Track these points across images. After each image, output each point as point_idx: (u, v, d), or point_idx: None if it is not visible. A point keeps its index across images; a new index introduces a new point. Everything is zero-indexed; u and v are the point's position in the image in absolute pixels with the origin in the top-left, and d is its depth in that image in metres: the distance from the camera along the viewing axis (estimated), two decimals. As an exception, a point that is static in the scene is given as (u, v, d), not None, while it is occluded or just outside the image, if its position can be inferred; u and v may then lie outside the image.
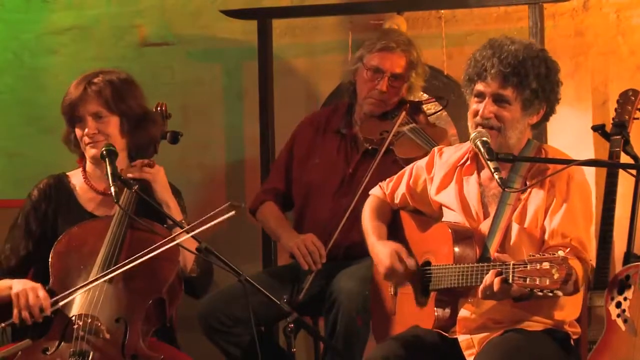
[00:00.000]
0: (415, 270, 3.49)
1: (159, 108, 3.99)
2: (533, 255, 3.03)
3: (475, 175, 3.49)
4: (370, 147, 4.23)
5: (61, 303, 3.49)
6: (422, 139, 4.16)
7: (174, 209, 3.71)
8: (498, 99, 3.36)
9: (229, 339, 4.07)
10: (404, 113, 4.24)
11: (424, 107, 4.40)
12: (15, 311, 3.48)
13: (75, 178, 3.81)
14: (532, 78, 3.32)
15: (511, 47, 3.35)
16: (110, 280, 3.52)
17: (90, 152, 3.70)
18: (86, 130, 3.67)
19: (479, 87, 3.38)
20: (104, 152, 3.56)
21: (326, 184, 4.27)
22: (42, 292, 3.49)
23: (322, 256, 4.12)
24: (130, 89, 3.74)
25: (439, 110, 4.54)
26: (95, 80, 3.68)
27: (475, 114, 3.40)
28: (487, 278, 3.14)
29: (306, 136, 4.41)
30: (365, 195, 4.01)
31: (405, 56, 4.24)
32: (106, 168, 3.52)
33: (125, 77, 3.75)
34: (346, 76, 4.40)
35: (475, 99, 3.41)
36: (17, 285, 3.52)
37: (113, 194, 3.44)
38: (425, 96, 4.63)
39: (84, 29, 5.37)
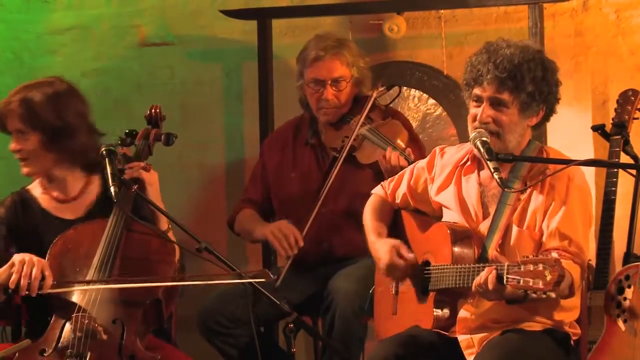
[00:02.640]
0: (415, 264, 3.51)
1: (152, 111, 3.99)
2: (527, 257, 3.04)
3: (475, 175, 3.49)
4: (337, 155, 4.26)
5: (58, 290, 3.48)
6: (378, 140, 4.17)
7: (161, 215, 3.72)
8: (495, 103, 3.36)
9: (228, 340, 4.07)
10: (357, 117, 4.24)
11: (377, 100, 4.35)
12: (14, 277, 3.43)
13: (35, 190, 3.83)
14: (528, 81, 3.32)
15: (507, 50, 3.34)
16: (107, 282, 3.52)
17: (22, 170, 3.75)
18: (11, 146, 3.71)
19: (477, 91, 3.39)
20: (104, 152, 3.56)
21: (306, 196, 4.28)
22: (48, 271, 3.48)
23: (298, 239, 4.13)
24: (50, 104, 3.68)
25: (396, 97, 4.53)
26: (12, 99, 3.69)
27: (474, 118, 3.41)
28: (483, 275, 3.15)
29: (274, 157, 4.43)
30: (330, 199, 4.14)
31: (338, 58, 4.24)
32: (106, 167, 3.52)
33: (51, 93, 3.70)
34: (297, 92, 4.40)
35: (474, 103, 3.42)
36: (22, 255, 3.49)
37: (113, 194, 3.44)
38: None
39: (84, 29, 5.37)
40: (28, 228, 3.76)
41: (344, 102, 4.28)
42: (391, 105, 4.47)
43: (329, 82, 4.24)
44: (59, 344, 3.44)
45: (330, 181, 4.16)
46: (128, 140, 3.96)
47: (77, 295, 3.52)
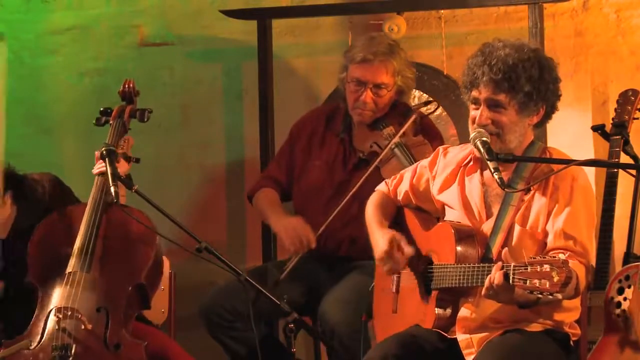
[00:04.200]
0: (412, 257, 3.50)
1: (126, 86, 4.03)
2: (534, 258, 3.02)
3: (478, 175, 3.49)
4: (362, 157, 4.26)
5: None
6: (405, 159, 4.14)
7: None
8: (493, 105, 3.36)
9: (230, 333, 4.08)
10: (391, 129, 4.21)
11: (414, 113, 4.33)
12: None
13: None
14: (524, 81, 3.31)
15: (501, 52, 3.33)
16: (88, 270, 3.52)
17: None
18: None
19: (474, 94, 3.39)
20: (104, 152, 3.56)
21: (324, 188, 4.28)
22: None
23: (311, 242, 4.12)
24: None
25: (431, 112, 4.50)
26: None
27: (474, 120, 3.41)
28: (490, 276, 3.15)
29: (302, 140, 4.41)
30: (353, 202, 4.08)
31: (385, 65, 4.19)
32: (106, 167, 3.52)
33: None
34: (339, 82, 4.39)
35: (473, 105, 3.42)
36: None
37: (113, 194, 3.44)
38: (425, 96, 4.64)
39: (84, 29, 5.36)
40: None
41: (381, 107, 4.25)
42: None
43: (371, 86, 4.20)
44: (44, 337, 3.44)
45: (355, 189, 4.11)
46: (103, 119, 3.98)
47: (59, 286, 3.52)
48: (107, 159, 3.54)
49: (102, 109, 3.99)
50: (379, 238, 3.56)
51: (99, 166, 3.71)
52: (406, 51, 4.35)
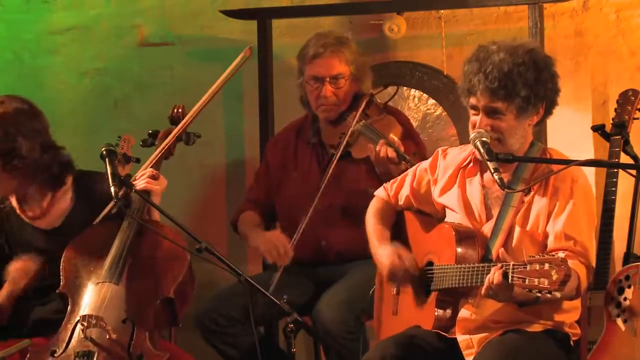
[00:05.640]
0: (415, 268, 3.51)
1: (175, 110, 4.10)
2: (533, 257, 3.03)
3: (478, 177, 3.49)
4: (334, 152, 4.28)
5: None
6: (371, 134, 4.19)
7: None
8: (491, 112, 3.36)
9: (225, 339, 4.08)
10: (354, 114, 4.25)
11: (375, 98, 4.35)
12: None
13: (14, 201, 3.88)
14: (520, 87, 3.31)
15: (496, 57, 3.32)
16: (117, 282, 3.55)
17: None
18: None
19: (472, 101, 3.40)
20: (104, 152, 3.56)
21: (305, 195, 4.28)
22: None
23: (287, 251, 4.14)
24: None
25: (394, 95, 4.52)
26: None
27: (474, 125, 3.41)
28: (489, 276, 3.15)
29: (276, 157, 4.46)
30: (326, 195, 4.13)
31: (337, 56, 4.26)
32: (106, 168, 3.53)
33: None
34: (298, 90, 4.42)
35: (472, 111, 3.43)
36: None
37: (113, 193, 3.44)
38: (425, 96, 4.66)
39: (84, 29, 5.36)
40: (4, 231, 3.81)
41: (343, 99, 4.29)
42: (390, 103, 4.46)
43: (328, 79, 4.25)
44: (69, 345, 3.46)
45: (327, 178, 4.17)
46: (149, 140, 4.01)
47: (87, 295, 3.54)
48: (107, 159, 3.55)
49: (150, 131, 4.03)
50: (382, 254, 3.58)
51: (142, 181, 3.73)
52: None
